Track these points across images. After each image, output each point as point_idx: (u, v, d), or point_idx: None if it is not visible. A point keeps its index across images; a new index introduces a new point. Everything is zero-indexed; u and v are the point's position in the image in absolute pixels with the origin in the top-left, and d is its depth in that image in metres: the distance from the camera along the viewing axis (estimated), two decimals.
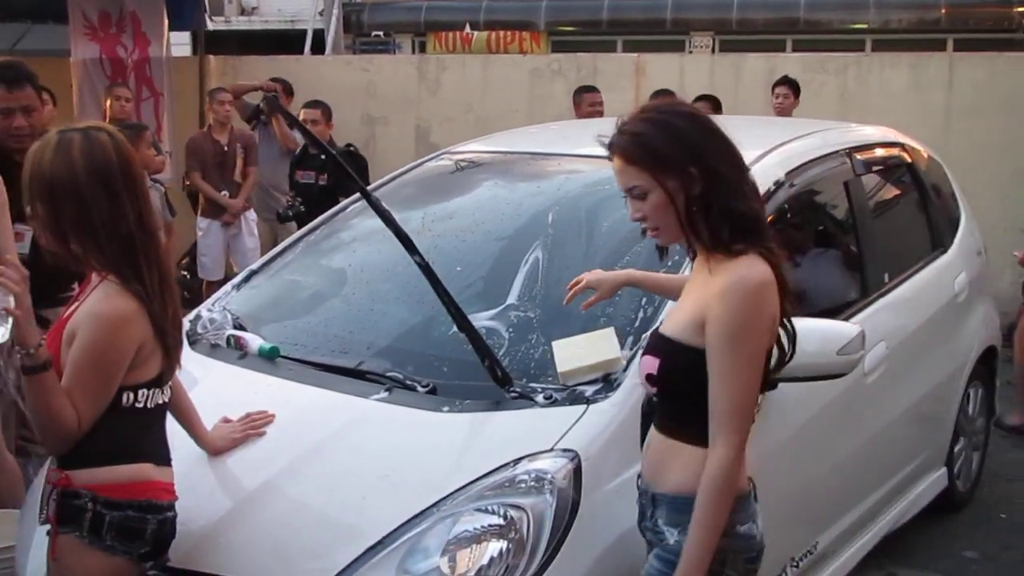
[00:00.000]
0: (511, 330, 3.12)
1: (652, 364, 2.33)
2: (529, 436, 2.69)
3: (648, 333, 2.87)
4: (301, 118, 6.92)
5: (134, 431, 2.49)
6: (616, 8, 18.23)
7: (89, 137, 2.43)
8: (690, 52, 16.71)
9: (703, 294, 2.26)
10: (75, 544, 2.44)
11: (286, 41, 16.43)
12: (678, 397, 2.33)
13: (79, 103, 8.85)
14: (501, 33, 18.46)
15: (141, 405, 2.48)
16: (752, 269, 2.22)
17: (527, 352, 3.04)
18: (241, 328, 3.44)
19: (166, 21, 9.18)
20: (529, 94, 9.27)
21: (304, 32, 15.32)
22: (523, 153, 4.22)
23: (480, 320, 3.08)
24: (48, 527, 2.50)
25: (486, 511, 2.50)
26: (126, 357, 2.41)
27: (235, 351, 3.32)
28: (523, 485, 2.56)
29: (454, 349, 3.03)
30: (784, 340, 2.34)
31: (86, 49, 9.06)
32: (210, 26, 11.60)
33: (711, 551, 2.19)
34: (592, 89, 7.93)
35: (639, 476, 2.45)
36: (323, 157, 6.74)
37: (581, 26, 18.34)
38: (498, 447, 2.68)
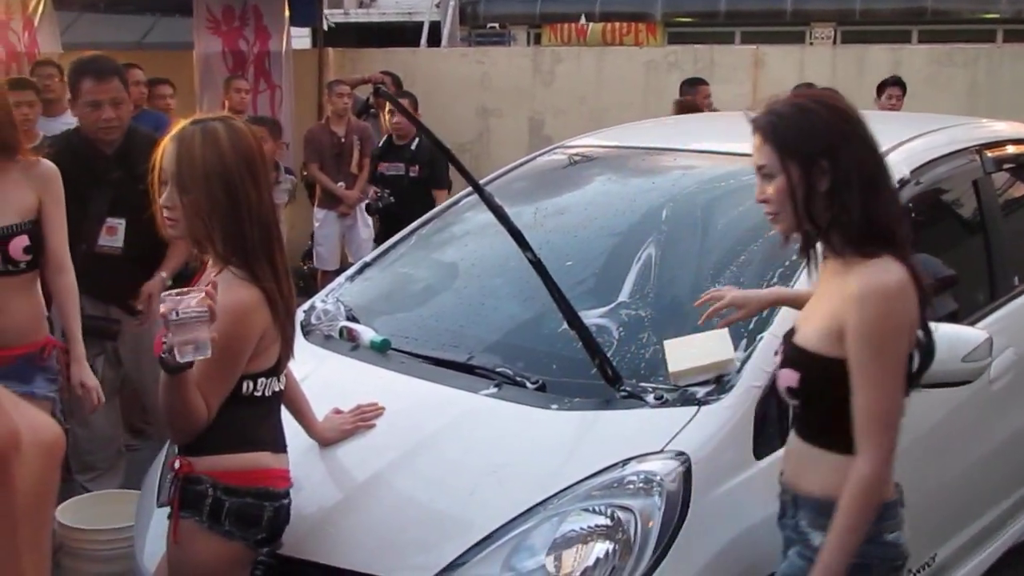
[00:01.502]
0: (622, 328, 3.08)
1: (792, 378, 2.31)
2: (639, 437, 2.66)
3: (764, 334, 2.81)
4: (387, 109, 6.90)
5: (253, 420, 2.54)
6: None
7: (231, 126, 2.50)
8: (810, 44, 16.36)
9: (836, 300, 2.22)
10: (195, 528, 2.49)
11: (403, 33, 16.64)
12: (820, 408, 2.31)
13: (200, 95, 9.09)
14: (616, 25, 18.39)
15: (259, 394, 2.53)
16: (888, 273, 2.17)
17: (638, 351, 3.00)
18: (354, 320, 3.48)
19: (287, 15, 9.36)
20: (644, 87, 9.19)
21: (421, 24, 15.47)
22: (637, 148, 4.16)
23: (591, 318, 3.05)
24: (167, 510, 2.57)
25: (593, 511, 2.48)
26: (249, 346, 2.46)
27: (347, 342, 3.35)
28: (631, 486, 2.53)
29: (564, 346, 3.00)
30: (923, 344, 2.29)
31: (209, 43, 9.29)
32: (329, 20, 11.79)
33: (849, 557, 2.18)
34: (700, 81, 7.81)
35: (781, 472, 2.44)
36: (412, 148, 6.75)
37: (698, 17, 18.15)
38: (607, 447, 2.65)
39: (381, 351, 3.24)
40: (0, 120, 3.35)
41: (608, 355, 2.84)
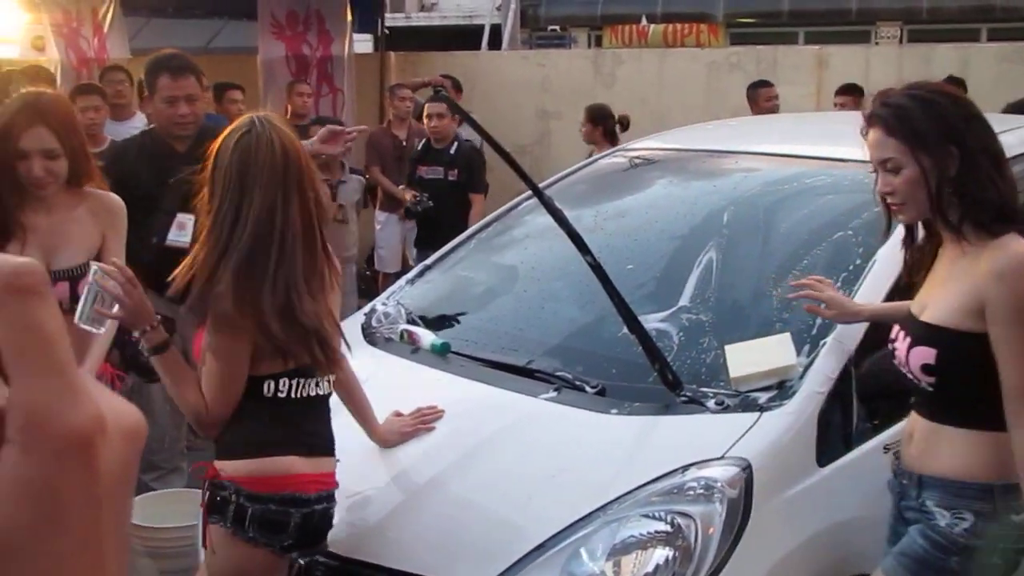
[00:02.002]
0: (682, 333, 3.06)
1: (928, 354, 2.34)
2: (699, 442, 2.63)
3: (827, 340, 2.77)
4: (426, 112, 6.88)
5: (279, 422, 2.53)
6: None
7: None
8: (876, 43, 16.13)
9: (969, 279, 2.27)
10: (222, 534, 2.51)
11: (464, 36, 16.68)
12: (956, 384, 2.35)
13: (264, 99, 9.19)
14: (678, 26, 18.26)
15: (285, 395, 2.53)
16: (1021, 246, 2.24)
17: (698, 356, 2.97)
18: (414, 323, 3.50)
19: (349, 19, 9.43)
20: (706, 88, 9.12)
21: (481, 27, 15.51)
22: (699, 150, 4.13)
23: (651, 322, 3.03)
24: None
25: (653, 517, 2.46)
26: (238, 349, 2.48)
27: (407, 346, 3.37)
28: (691, 492, 2.51)
29: (624, 350, 2.99)
30: None
31: (272, 48, 9.39)
32: (390, 23, 11.87)
33: None
34: (767, 84, 7.74)
35: (896, 460, 2.51)
36: (451, 152, 6.70)
37: (761, 17, 17.95)
38: (667, 452, 2.63)
39: (441, 354, 3.25)
40: (75, 147, 3.20)
41: (668, 360, 2.82)
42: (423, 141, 6.97)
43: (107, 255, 3.21)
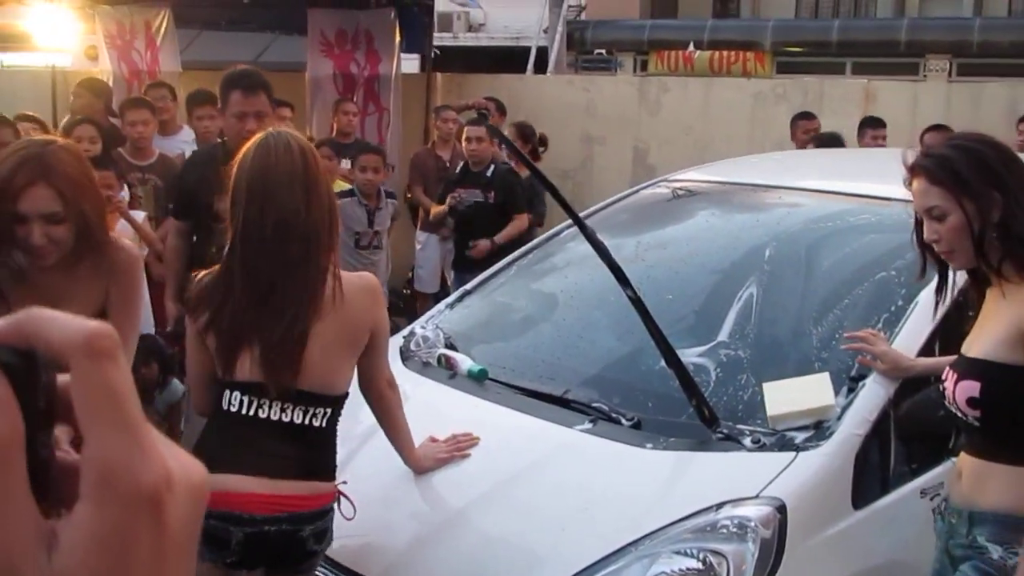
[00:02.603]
0: (720, 368, 3.05)
1: (973, 388, 2.37)
2: (734, 480, 2.62)
3: (866, 381, 2.76)
4: (464, 135, 6.90)
5: (229, 438, 2.61)
6: (846, 28, 17.70)
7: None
8: (924, 76, 16.03)
9: (1012, 312, 2.33)
10: None
11: (510, 57, 16.76)
12: (1002, 418, 2.37)
13: (310, 116, 9.29)
14: (724, 53, 18.23)
15: (236, 410, 2.59)
16: None
17: (735, 392, 2.96)
18: (452, 347, 3.52)
19: (398, 39, 9.51)
20: (751, 118, 9.09)
21: (528, 49, 15.58)
22: (742, 184, 4.12)
23: (689, 356, 3.03)
24: None
25: (685, 554, 2.45)
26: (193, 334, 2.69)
27: (445, 370, 3.39)
28: (724, 531, 2.50)
29: (661, 383, 2.99)
30: None
31: (321, 65, 9.49)
32: (437, 43, 11.96)
33: None
34: (809, 116, 7.69)
35: (944, 500, 2.56)
36: (488, 174, 6.67)
37: (808, 47, 17.89)
38: (701, 489, 2.62)
39: (479, 380, 3.26)
40: (84, 211, 2.63)
41: (705, 395, 2.81)
42: (461, 164, 7.01)
43: (113, 316, 2.73)
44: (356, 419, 2.96)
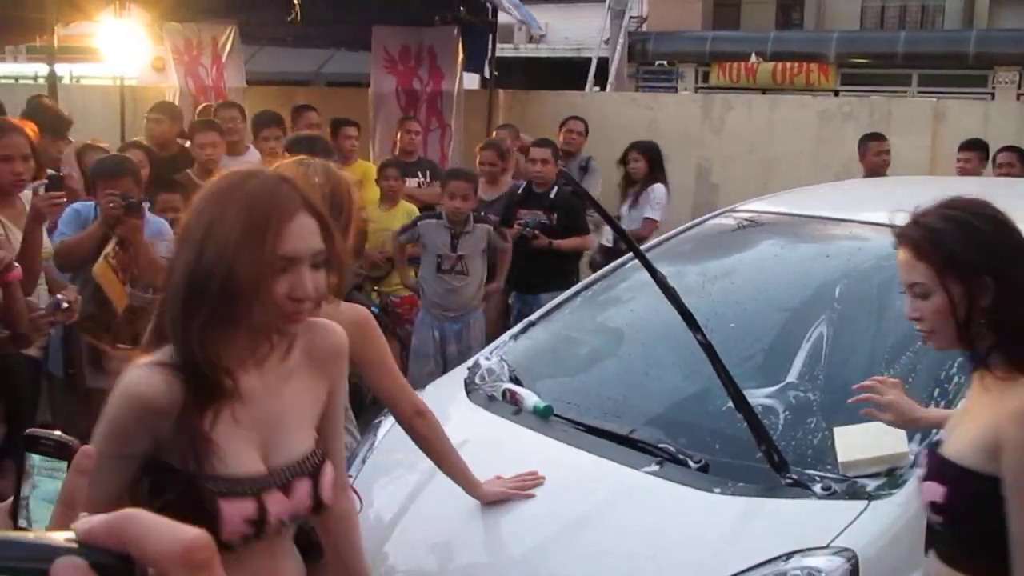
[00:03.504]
0: (789, 411, 3.01)
1: (936, 491, 2.17)
2: (803, 529, 2.58)
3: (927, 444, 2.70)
4: (530, 156, 6.78)
5: None
6: (913, 41, 17.46)
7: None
8: (993, 88, 15.75)
9: (992, 416, 2.09)
10: None
11: (571, 68, 16.77)
12: (966, 527, 2.17)
13: (373, 133, 9.35)
14: (787, 65, 18.07)
15: None
16: None
17: (805, 436, 2.92)
18: (516, 381, 3.50)
19: (460, 56, 9.55)
20: (816, 136, 8.99)
21: (588, 60, 15.56)
22: (812, 216, 4.06)
23: (757, 397, 2.99)
24: None
25: None
26: None
27: (510, 405, 3.37)
28: None
29: (728, 424, 2.95)
30: None
31: (384, 81, 9.57)
32: (499, 54, 11.97)
33: None
34: (879, 137, 7.50)
35: None
36: (551, 196, 6.52)
37: (874, 59, 17.68)
38: (770, 537, 2.58)
39: (544, 417, 3.25)
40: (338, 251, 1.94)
41: (774, 439, 2.77)
42: (524, 185, 6.93)
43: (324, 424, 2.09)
44: (420, 454, 2.96)
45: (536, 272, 6.23)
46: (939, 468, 2.20)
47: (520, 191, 6.86)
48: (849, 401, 2.68)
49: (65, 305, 3.91)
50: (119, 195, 4.25)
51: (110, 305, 4.38)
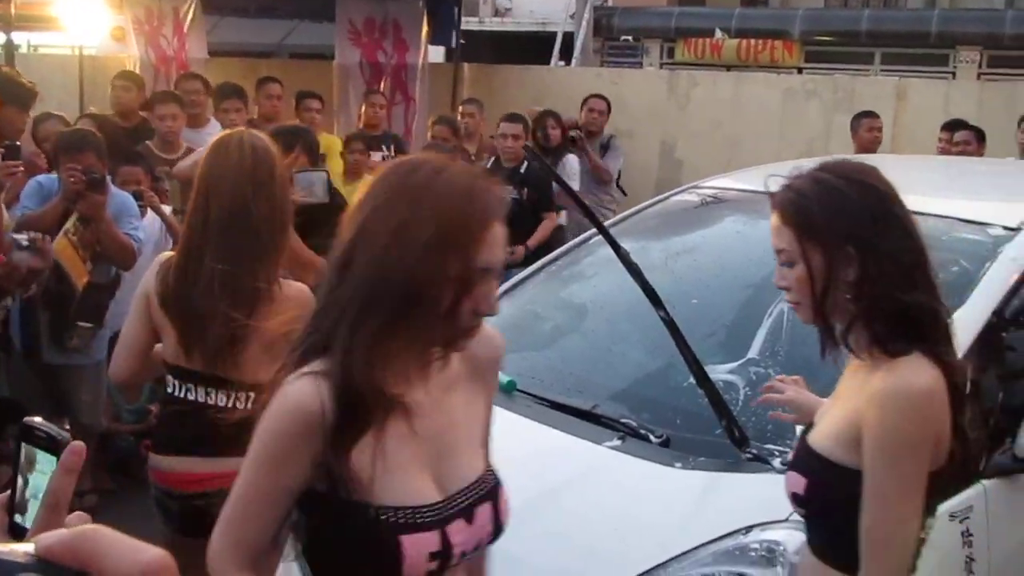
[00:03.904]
0: (749, 387, 3.03)
1: (799, 483, 2.08)
2: (763, 503, 2.60)
3: None
4: (499, 131, 6.72)
5: (171, 421, 2.88)
6: (877, 19, 17.52)
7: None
8: (954, 68, 15.86)
9: (856, 401, 1.99)
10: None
11: (536, 43, 16.68)
12: (830, 520, 2.07)
13: (338, 106, 9.28)
14: (752, 42, 18.09)
15: (171, 392, 2.82)
16: (918, 374, 1.92)
17: (765, 411, 2.94)
18: None
19: (425, 29, 9.49)
20: (781, 114, 9.03)
21: (554, 34, 15.50)
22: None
23: (718, 373, 3.01)
24: None
25: None
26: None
27: None
28: (753, 554, 2.48)
29: (690, 400, 2.97)
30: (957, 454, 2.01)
31: (349, 54, 9.49)
32: (464, 27, 11.91)
33: None
34: (871, 114, 7.45)
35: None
36: (521, 171, 6.47)
37: (838, 37, 17.72)
38: (730, 511, 2.61)
39: (507, 392, 3.25)
40: None
41: (735, 415, 2.80)
42: (492, 159, 6.88)
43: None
44: None
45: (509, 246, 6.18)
46: (804, 457, 2.11)
47: (488, 167, 6.80)
48: (752, 404, 2.70)
49: (25, 243, 3.74)
50: (81, 170, 4.19)
51: (71, 281, 4.33)
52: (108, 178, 4.43)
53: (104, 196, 4.25)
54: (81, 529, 0.49)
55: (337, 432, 1.60)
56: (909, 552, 1.98)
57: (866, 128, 7.27)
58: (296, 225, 3.60)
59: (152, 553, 0.49)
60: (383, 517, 1.63)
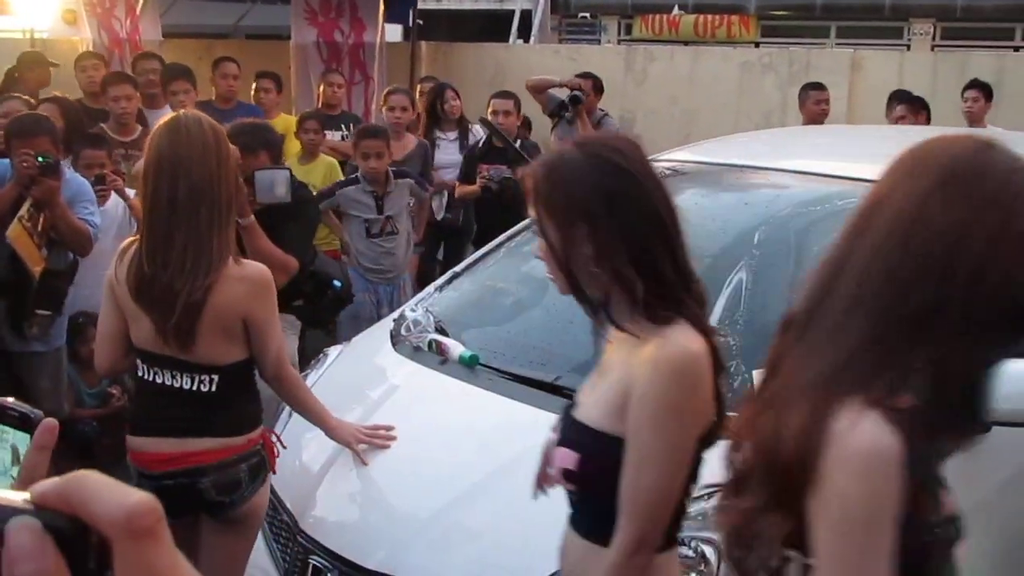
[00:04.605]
0: None
1: (570, 458, 2.00)
2: (724, 468, 2.64)
3: None
4: (491, 109, 6.69)
5: (141, 403, 2.98)
6: None
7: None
8: (909, 39, 16.01)
9: (624, 370, 1.96)
10: None
11: (494, 21, 16.63)
12: (602, 496, 1.97)
13: (296, 87, 9.21)
14: (709, 17, 18.16)
15: (141, 375, 2.86)
16: (687, 340, 1.93)
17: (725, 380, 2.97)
18: (442, 331, 3.51)
19: (382, 7, 9.43)
20: (738, 88, 9.08)
21: (512, 12, 15.45)
22: (731, 165, 4.11)
23: None
24: None
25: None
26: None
27: (436, 356, 3.39)
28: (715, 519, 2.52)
29: None
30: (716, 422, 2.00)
31: (306, 34, 9.41)
32: (421, 7, 11.85)
33: None
34: (819, 86, 7.51)
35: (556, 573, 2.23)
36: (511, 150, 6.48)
37: (793, 11, 17.83)
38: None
39: (470, 366, 3.27)
40: None
41: None
42: (484, 138, 6.78)
43: None
44: (349, 408, 2.97)
45: (502, 228, 6.14)
46: (572, 433, 2.06)
47: (481, 145, 6.76)
48: None
49: None
50: (34, 154, 4.13)
51: (26, 268, 4.28)
52: (62, 163, 4.38)
53: (58, 181, 4.20)
54: (71, 475, 0.50)
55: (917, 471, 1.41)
56: (667, 513, 1.96)
57: (813, 101, 7.35)
58: (264, 227, 3.62)
59: (137, 496, 0.50)
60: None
